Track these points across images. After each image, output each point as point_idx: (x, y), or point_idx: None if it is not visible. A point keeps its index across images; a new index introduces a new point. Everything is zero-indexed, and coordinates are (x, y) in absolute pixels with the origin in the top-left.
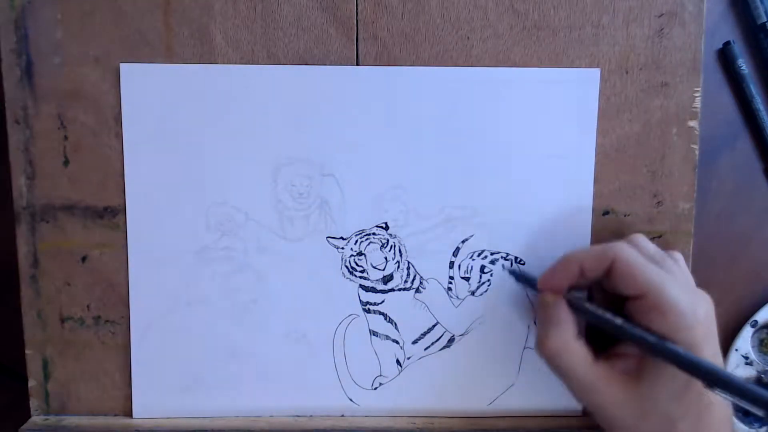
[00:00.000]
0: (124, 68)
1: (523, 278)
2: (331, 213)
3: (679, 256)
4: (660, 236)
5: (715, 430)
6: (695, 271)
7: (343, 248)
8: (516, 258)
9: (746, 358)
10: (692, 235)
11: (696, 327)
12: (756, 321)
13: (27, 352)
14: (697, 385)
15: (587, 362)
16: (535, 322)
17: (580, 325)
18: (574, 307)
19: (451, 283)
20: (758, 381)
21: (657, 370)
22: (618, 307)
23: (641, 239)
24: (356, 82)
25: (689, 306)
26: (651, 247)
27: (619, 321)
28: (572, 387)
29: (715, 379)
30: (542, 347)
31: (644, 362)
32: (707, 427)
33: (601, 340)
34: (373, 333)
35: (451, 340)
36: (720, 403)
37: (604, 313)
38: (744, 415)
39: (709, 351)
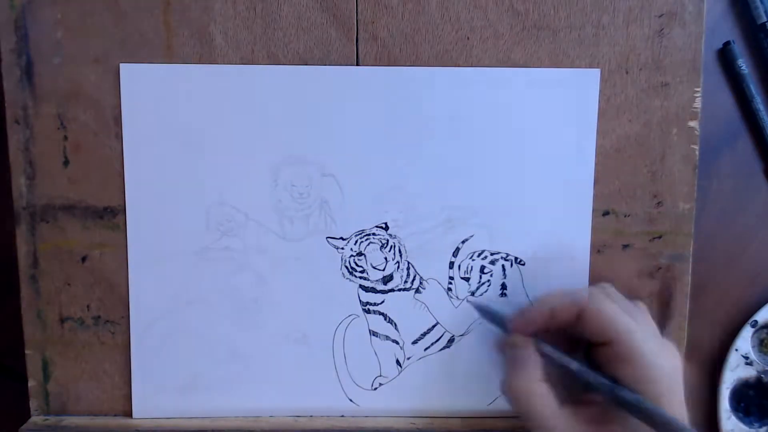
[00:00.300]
0: (124, 68)
1: (489, 315)
2: (331, 213)
3: (643, 307)
4: (660, 236)
5: None
6: (695, 271)
7: (342, 248)
8: (516, 258)
9: (746, 358)
10: (692, 236)
11: (661, 378)
12: (756, 321)
13: (27, 352)
14: None
15: (551, 406)
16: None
17: (547, 369)
18: (544, 350)
19: (451, 283)
20: (758, 381)
21: (622, 420)
22: (585, 354)
23: (610, 288)
24: (356, 82)
25: (655, 357)
26: (618, 296)
27: (575, 365)
28: (535, 429)
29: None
30: (507, 388)
31: (609, 411)
32: None
33: (570, 387)
34: (373, 333)
35: (451, 341)
36: None
37: (562, 356)
38: (744, 415)
39: (673, 403)
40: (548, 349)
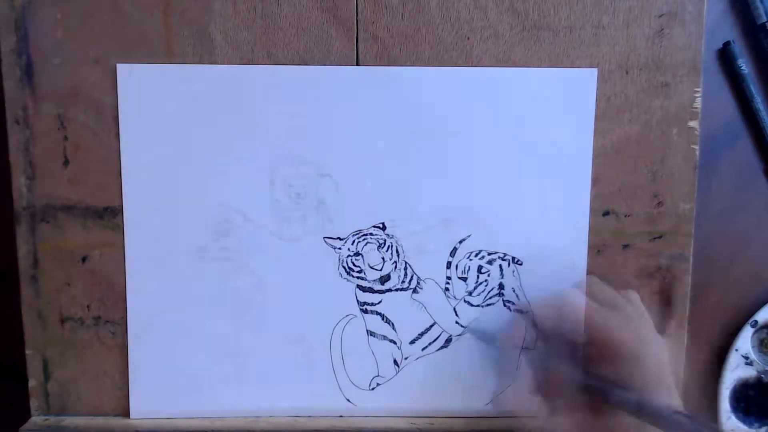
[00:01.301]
0: (121, 68)
1: (480, 334)
2: (328, 213)
3: (634, 296)
4: (660, 236)
5: None
6: (695, 271)
7: (340, 248)
8: (513, 258)
9: (746, 358)
10: (692, 236)
11: (648, 370)
12: (756, 321)
13: (27, 352)
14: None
15: (542, 416)
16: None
17: (540, 377)
18: (533, 360)
19: (448, 283)
20: (758, 381)
21: (613, 416)
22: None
23: (595, 282)
24: (356, 82)
25: (640, 349)
26: (602, 289)
27: (571, 370)
28: None
29: (653, 416)
30: (499, 400)
31: (600, 410)
32: None
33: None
34: (371, 333)
35: (449, 340)
36: None
37: (549, 364)
38: (744, 415)
39: (660, 390)
40: (536, 358)
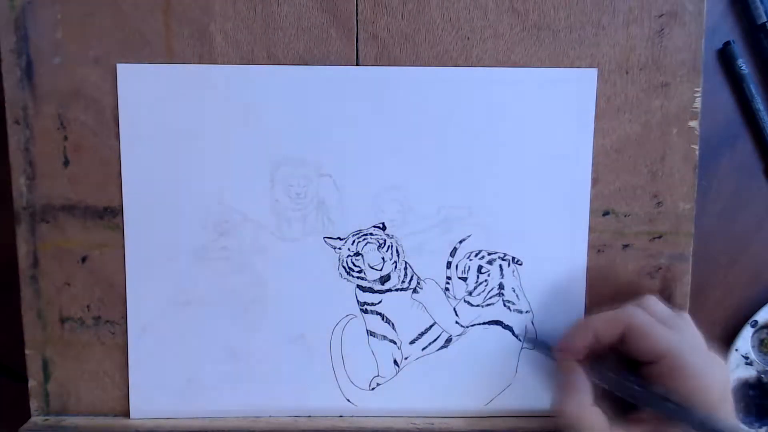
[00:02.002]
0: (121, 68)
1: (539, 344)
2: (328, 213)
3: (687, 316)
4: (660, 236)
5: None
6: (695, 271)
7: (340, 248)
8: (513, 258)
9: (746, 358)
10: (692, 236)
11: (712, 389)
12: (756, 321)
13: (27, 352)
14: None
15: (604, 428)
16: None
17: (597, 389)
18: (593, 373)
19: (448, 283)
20: (758, 381)
21: None
22: (634, 371)
23: (653, 301)
24: (356, 82)
25: (704, 369)
26: (662, 308)
27: (638, 388)
28: None
29: None
30: (559, 413)
31: (660, 426)
32: None
33: (621, 404)
34: (371, 333)
35: (449, 341)
36: None
37: (623, 380)
38: (744, 415)
39: (724, 413)
40: (596, 372)
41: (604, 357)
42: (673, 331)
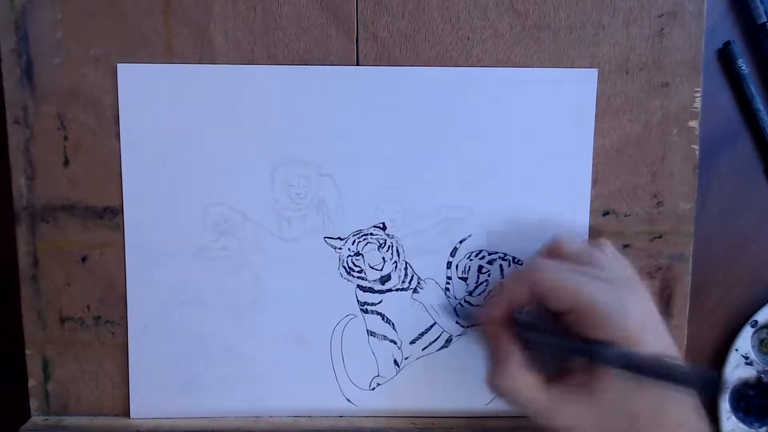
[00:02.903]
0: (122, 68)
1: (466, 318)
2: (328, 213)
3: (607, 245)
4: (660, 236)
5: (677, 419)
6: (695, 271)
7: (340, 248)
8: (514, 258)
9: (746, 358)
10: (692, 236)
11: (625, 321)
12: (756, 321)
13: (27, 352)
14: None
15: (538, 390)
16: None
17: (529, 347)
18: (518, 335)
19: (448, 283)
20: (758, 381)
21: (605, 375)
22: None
23: (563, 243)
24: (356, 82)
25: (613, 304)
26: (574, 248)
27: (556, 341)
28: (530, 415)
29: (642, 367)
30: (491, 384)
31: (593, 372)
32: (668, 416)
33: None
34: (371, 333)
35: (449, 341)
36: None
37: (542, 337)
38: (744, 415)
39: (648, 342)
40: (520, 334)
41: (531, 313)
42: (580, 277)
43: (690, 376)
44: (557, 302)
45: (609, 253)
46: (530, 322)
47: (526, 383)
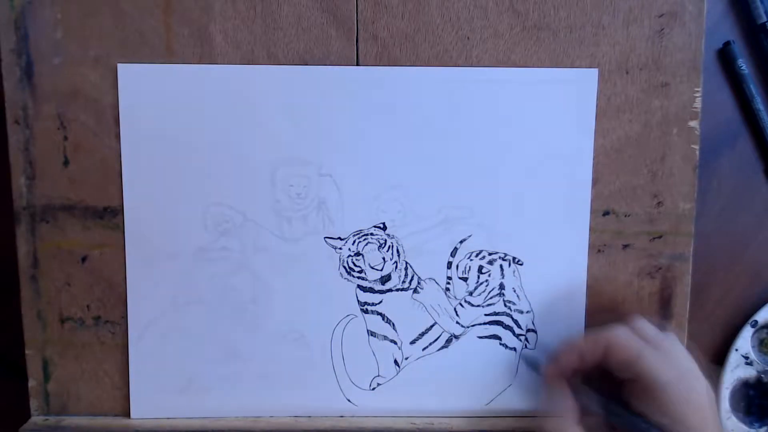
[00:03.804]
0: (122, 69)
1: (530, 364)
2: (328, 213)
3: (674, 337)
4: (660, 236)
5: None
6: (695, 271)
7: (340, 248)
8: (514, 258)
9: (746, 358)
10: (692, 236)
11: (688, 411)
12: (756, 321)
13: (27, 352)
14: None
15: None
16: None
17: (584, 410)
18: (578, 392)
19: (449, 283)
20: (758, 381)
21: None
22: (620, 389)
23: (641, 322)
24: (356, 82)
25: (683, 389)
26: (649, 329)
27: (617, 407)
28: None
29: None
30: (543, 429)
31: None
32: None
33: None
34: (371, 333)
35: (449, 340)
36: None
37: (604, 399)
38: (744, 415)
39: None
40: (581, 391)
41: (592, 376)
42: (653, 351)
43: None
44: (627, 367)
45: (677, 343)
46: (591, 383)
47: None
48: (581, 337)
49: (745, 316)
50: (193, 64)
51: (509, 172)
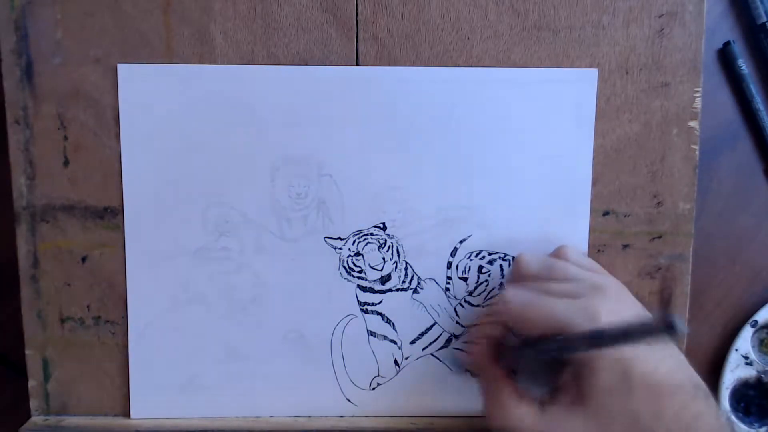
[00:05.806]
0: (122, 69)
1: (456, 367)
2: (328, 213)
3: (567, 250)
4: (660, 236)
5: (675, 410)
6: (695, 271)
7: (340, 248)
8: (514, 258)
9: (746, 358)
10: (692, 236)
11: (595, 314)
12: (756, 321)
13: (27, 352)
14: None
15: (535, 416)
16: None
17: (522, 375)
18: (507, 360)
19: (449, 283)
20: (758, 381)
21: (593, 382)
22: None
23: (521, 265)
24: (356, 82)
25: (583, 319)
26: (533, 267)
27: (545, 344)
28: None
29: (611, 338)
30: (489, 420)
31: (581, 383)
32: (667, 409)
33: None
34: (371, 333)
35: (449, 340)
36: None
37: (527, 349)
38: (744, 415)
39: (620, 314)
40: (509, 357)
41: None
42: (546, 300)
43: (644, 326)
44: (530, 330)
45: (571, 257)
46: (515, 345)
47: (521, 412)
48: (480, 324)
49: (745, 316)
50: (193, 64)
51: (509, 171)
